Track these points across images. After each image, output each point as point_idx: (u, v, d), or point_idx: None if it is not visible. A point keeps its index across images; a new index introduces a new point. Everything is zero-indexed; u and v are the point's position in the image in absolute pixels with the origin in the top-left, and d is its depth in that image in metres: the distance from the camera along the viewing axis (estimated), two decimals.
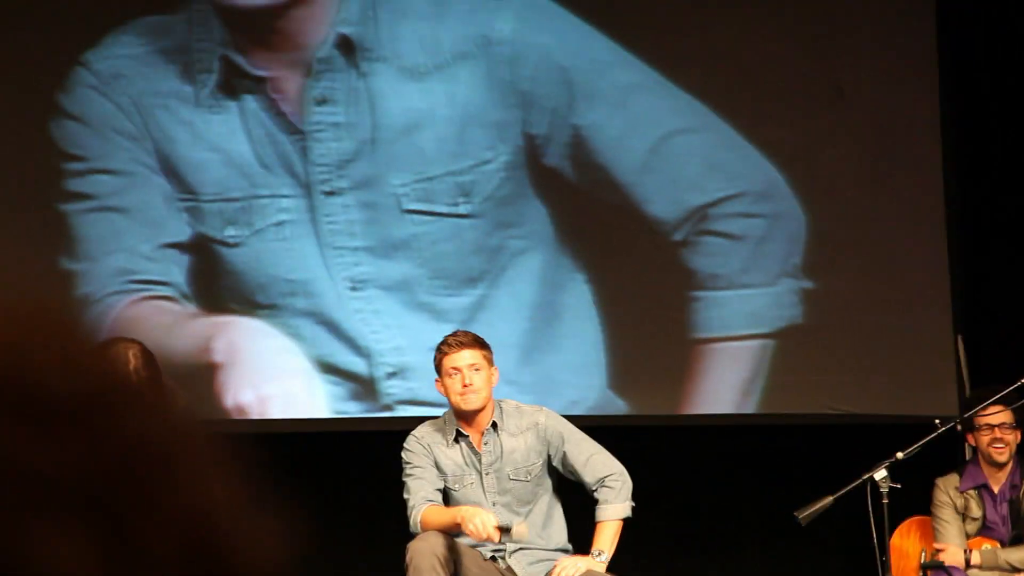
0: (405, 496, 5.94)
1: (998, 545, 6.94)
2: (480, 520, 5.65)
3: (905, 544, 7.02)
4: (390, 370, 6.48)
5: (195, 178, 6.18)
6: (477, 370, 5.92)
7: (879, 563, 5.93)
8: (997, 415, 6.85)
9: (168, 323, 6.16)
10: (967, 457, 7.19)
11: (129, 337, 4.60)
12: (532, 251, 6.46)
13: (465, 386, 5.90)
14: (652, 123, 6.40)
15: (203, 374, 6.39)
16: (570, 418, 6.13)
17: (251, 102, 6.21)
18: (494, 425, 6.03)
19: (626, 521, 5.97)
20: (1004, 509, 6.99)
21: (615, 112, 6.36)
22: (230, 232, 6.19)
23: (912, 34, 7.36)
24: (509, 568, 6.02)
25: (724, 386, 7.09)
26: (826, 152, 7.23)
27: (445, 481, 6.01)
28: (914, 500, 6.71)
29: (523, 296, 6.47)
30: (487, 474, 6.02)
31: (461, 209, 6.39)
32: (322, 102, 6.24)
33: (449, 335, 6.04)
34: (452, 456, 6.02)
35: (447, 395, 5.99)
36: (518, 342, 6.64)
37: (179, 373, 6.11)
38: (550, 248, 6.49)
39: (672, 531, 7.50)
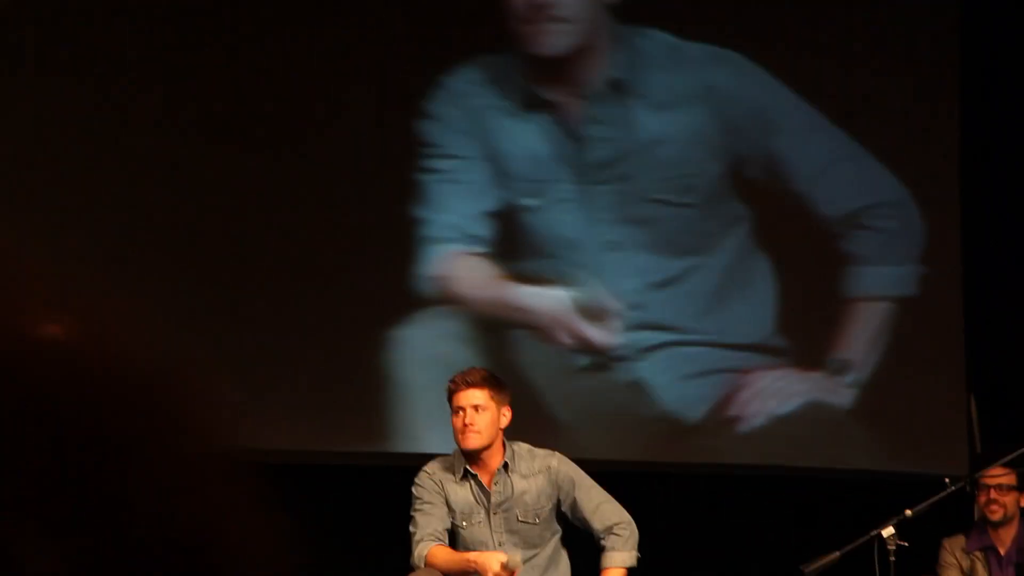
0: (411, 530, 5.88)
1: None
2: (494, 562, 5.59)
3: None
4: (631, 302, 6.74)
5: (508, 165, 6.98)
6: (481, 411, 5.84)
7: None
8: (996, 477, 6.71)
9: (477, 278, 6.73)
10: (976, 518, 7.02)
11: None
12: (732, 235, 6.97)
13: (466, 425, 5.83)
14: (821, 149, 7.14)
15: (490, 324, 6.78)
16: (581, 463, 6.08)
17: (546, 116, 7.02)
18: (505, 466, 5.93)
19: (630, 571, 5.95)
20: (1010, 572, 6.85)
21: (795, 141, 7.07)
22: (528, 202, 6.93)
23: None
24: None
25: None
26: None
27: (453, 518, 5.91)
28: (921, 559, 6.52)
29: (722, 264, 6.87)
30: (495, 514, 5.94)
31: (685, 199, 7.00)
32: (594, 121, 7.04)
33: (460, 372, 5.97)
34: (462, 493, 5.92)
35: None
36: (711, 296, 6.83)
37: (479, 319, 6.77)
38: (745, 233, 7.00)
39: None
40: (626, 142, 7.00)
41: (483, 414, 5.81)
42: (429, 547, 5.78)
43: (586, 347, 6.41)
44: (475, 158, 6.88)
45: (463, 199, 6.82)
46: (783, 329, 6.82)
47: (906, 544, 5.78)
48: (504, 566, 5.57)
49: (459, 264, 6.51)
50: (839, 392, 6.86)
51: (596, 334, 6.39)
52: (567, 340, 6.44)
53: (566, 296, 6.42)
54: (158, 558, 0.80)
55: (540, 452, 6.00)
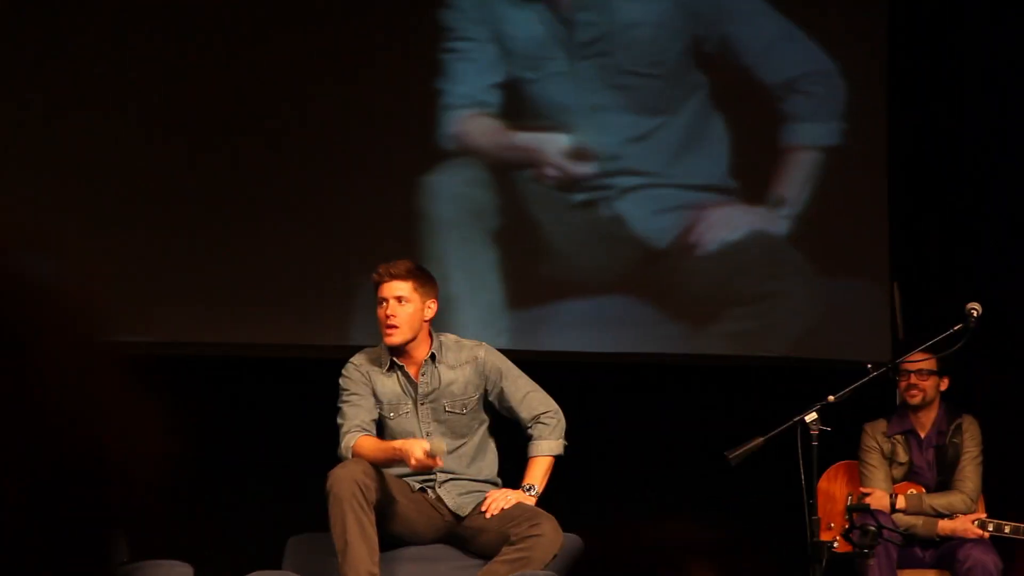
0: (339, 421, 5.76)
1: (924, 490, 6.80)
2: (417, 449, 5.52)
3: (832, 487, 6.83)
4: None
5: (511, 45, 7.23)
6: (404, 302, 5.72)
7: (806, 505, 5.73)
8: (917, 363, 6.65)
9: (488, 131, 6.93)
10: (897, 403, 6.97)
11: None
12: (693, 99, 7.19)
13: (387, 317, 5.73)
14: (765, 31, 7.33)
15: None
16: (507, 354, 5.98)
17: (542, 5, 7.25)
18: (432, 357, 5.80)
19: (557, 459, 5.88)
20: (930, 455, 6.83)
21: (743, 24, 7.31)
22: (528, 75, 7.19)
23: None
24: (439, 498, 5.87)
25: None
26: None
27: (381, 409, 5.81)
28: (843, 445, 6.52)
29: (685, 122, 7.12)
30: (423, 404, 5.83)
31: (655, 71, 7.19)
32: (582, 8, 7.27)
33: (385, 263, 5.82)
34: (389, 384, 5.82)
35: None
36: (676, 147, 7.08)
37: (491, 164, 6.94)
38: (704, 97, 7.22)
39: (601, 470, 7.22)
40: (607, 25, 7.35)
41: (406, 306, 5.71)
42: (356, 438, 5.69)
43: (570, 180, 6.92)
44: (485, 40, 7.27)
45: (476, 74, 7.24)
46: (734, 173, 7.22)
47: (828, 429, 5.73)
48: (427, 453, 5.48)
49: (474, 123, 7.09)
50: (777, 222, 7.20)
51: (579, 169, 6.90)
52: (555, 174, 6.86)
53: (558, 140, 6.99)
54: (45, 455, 0.79)
55: (467, 343, 5.92)
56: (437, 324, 6.08)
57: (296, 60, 6.80)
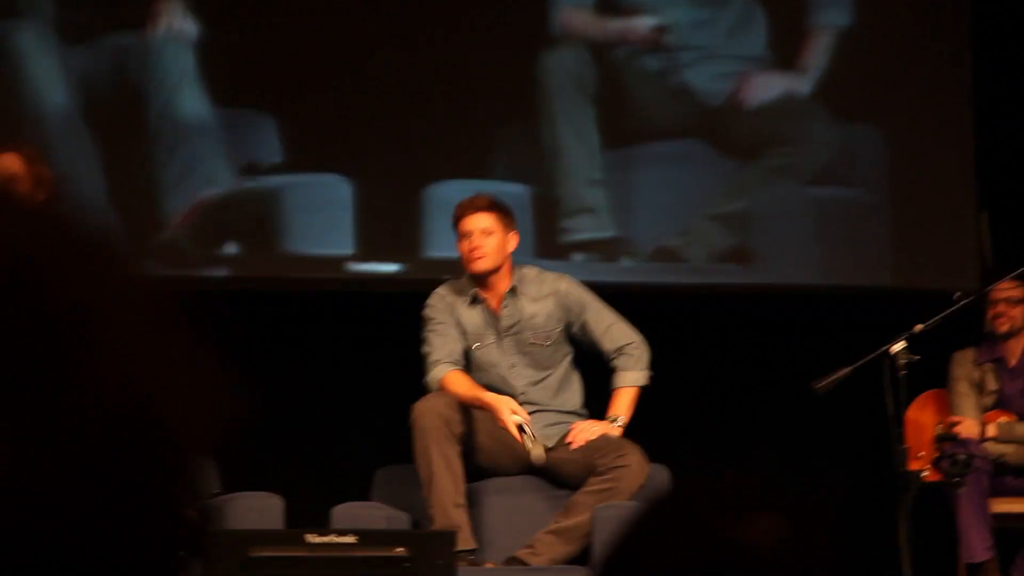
0: (426, 350, 5.81)
1: (1015, 418, 6.71)
2: (510, 413, 5.61)
3: (921, 417, 6.72)
4: None
5: None
6: (488, 234, 5.78)
7: (894, 435, 5.70)
8: (1005, 291, 6.64)
9: (587, 22, 7.70)
10: (985, 331, 6.83)
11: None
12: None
13: (472, 249, 5.78)
14: None
15: None
16: (588, 285, 6.04)
17: None
18: (513, 289, 5.85)
19: (642, 390, 5.88)
20: (1020, 383, 6.77)
21: None
22: None
23: None
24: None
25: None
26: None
27: (466, 340, 5.87)
28: (932, 374, 6.39)
29: (733, 16, 7.76)
30: (505, 336, 5.85)
31: None
32: None
33: (466, 197, 5.93)
34: (472, 317, 5.87)
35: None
36: (729, 31, 7.81)
37: (590, 46, 7.60)
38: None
39: (687, 400, 7.11)
40: None
41: (490, 238, 5.77)
42: (447, 371, 5.76)
43: (649, 53, 7.74)
44: None
45: None
46: (772, 47, 7.87)
47: (916, 359, 5.68)
48: (517, 425, 5.59)
49: (574, 14, 7.82)
50: (804, 83, 7.84)
51: (647, 37, 7.72)
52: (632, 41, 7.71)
53: (641, 22, 7.76)
54: (109, 416, 0.77)
55: (549, 275, 5.97)
56: (548, 185, 7.10)
57: None
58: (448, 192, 7.12)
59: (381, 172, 7.44)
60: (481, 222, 5.78)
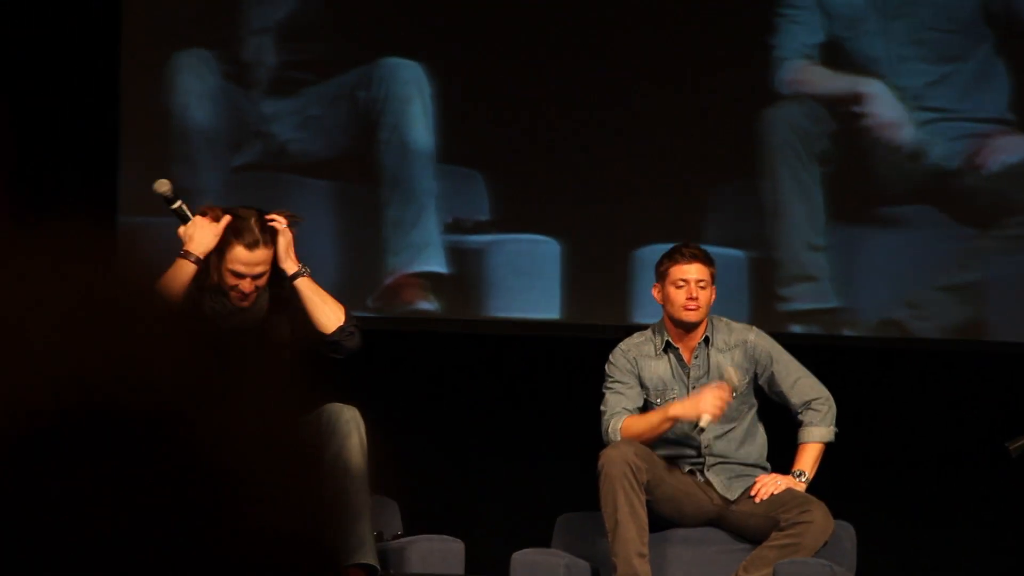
0: (602, 408, 5.78)
1: None
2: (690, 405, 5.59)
3: None
4: None
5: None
6: (704, 287, 5.75)
7: None
8: None
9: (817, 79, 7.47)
10: None
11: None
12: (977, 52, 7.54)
13: (690, 298, 5.71)
14: None
15: None
16: (779, 338, 6.00)
17: None
18: (706, 340, 5.81)
19: (828, 446, 5.78)
20: None
21: None
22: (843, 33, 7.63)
23: None
24: (707, 482, 5.83)
25: None
26: None
27: (647, 396, 5.81)
28: None
29: (975, 69, 7.47)
30: (694, 388, 5.78)
31: (950, 26, 7.51)
32: None
33: (682, 245, 5.90)
34: (658, 369, 5.82)
35: (664, 303, 5.80)
36: (971, 84, 7.50)
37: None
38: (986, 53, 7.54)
39: (875, 456, 6.92)
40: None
41: (705, 291, 5.76)
42: (622, 419, 5.71)
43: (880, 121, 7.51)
44: (810, 7, 7.75)
45: (802, 34, 7.71)
46: (1013, 108, 7.54)
47: None
48: (716, 387, 5.63)
49: (806, 70, 7.56)
50: None
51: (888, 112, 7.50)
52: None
53: (872, 83, 7.51)
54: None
55: (737, 326, 5.93)
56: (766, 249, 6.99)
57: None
58: (658, 255, 7.04)
59: (590, 234, 7.36)
60: (698, 272, 5.75)
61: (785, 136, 7.49)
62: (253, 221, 5.22)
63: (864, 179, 7.47)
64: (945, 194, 7.46)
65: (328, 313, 5.24)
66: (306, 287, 5.24)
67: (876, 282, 7.31)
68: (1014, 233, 7.43)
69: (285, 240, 5.24)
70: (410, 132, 7.46)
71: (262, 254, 5.23)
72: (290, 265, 5.24)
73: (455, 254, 7.38)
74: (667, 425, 5.63)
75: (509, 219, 7.44)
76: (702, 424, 5.59)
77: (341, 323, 5.23)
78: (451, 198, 7.40)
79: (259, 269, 5.22)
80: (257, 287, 5.18)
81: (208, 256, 5.20)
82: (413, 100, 7.46)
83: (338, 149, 7.47)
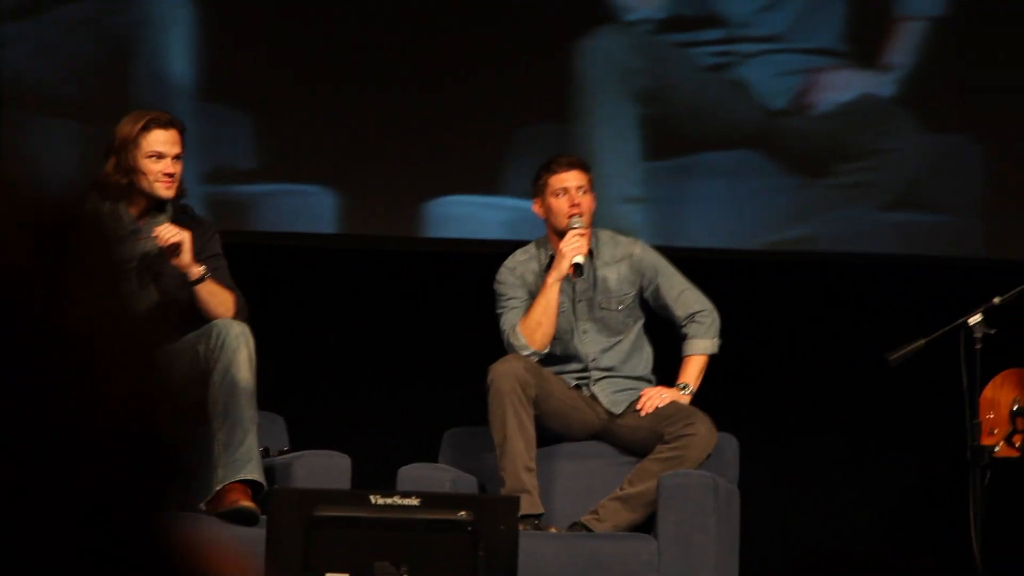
0: (502, 327, 5.78)
1: None
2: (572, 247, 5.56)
3: (998, 395, 6.11)
4: None
5: None
6: (584, 192, 5.71)
7: (967, 408, 5.51)
8: None
9: None
10: None
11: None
12: None
13: (572, 205, 5.66)
14: None
15: None
16: (662, 251, 5.90)
17: None
18: (590, 253, 5.75)
19: (712, 358, 5.80)
20: None
21: None
22: None
23: None
24: (593, 396, 5.83)
25: None
26: None
27: None
28: (1009, 350, 5.87)
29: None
30: (579, 301, 5.80)
31: None
32: None
33: (557, 155, 5.85)
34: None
35: (547, 216, 5.74)
36: (800, 14, 6.92)
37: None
38: None
39: (757, 369, 6.95)
40: None
41: (588, 196, 5.73)
42: (518, 322, 5.73)
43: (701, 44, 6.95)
44: None
45: None
46: (847, 38, 7.03)
47: (993, 332, 5.44)
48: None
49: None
50: (886, 85, 6.97)
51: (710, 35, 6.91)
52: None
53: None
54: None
55: (623, 240, 5.89)
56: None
57: None
58: (451, 208, 6.89)
59: (375, 187, 6.91)
60: (577, 179, 5.69)
61: (602, 71, 6.98)
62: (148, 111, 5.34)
63: (686, 122, 6.96)
64: (769, 137, 6.97)
65: (220, 308, 5.30)
66: (206, 289, 5.30)
67: (697, 238, 6.95)
68: (845, 182, 6.99)
69: (186, 244, 5.24)
70: (168, 64, 6.84)
71: (176, 133, 5.31)
72: (195, 270, 5.29)
73: (217, 206, 6.69)
74: (554, 293, 5.63)
75: (277, 168, 6.92)
76: (578, 261, 5.59)
77: (230, 315, 5.29)
78: (212, 143, 6.70)
79: (176, 149, 5.28)
80: (175, 173, 5.24)
81: (118, 161, 5.23)
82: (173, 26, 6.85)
83: (82, 83, 6.73)
